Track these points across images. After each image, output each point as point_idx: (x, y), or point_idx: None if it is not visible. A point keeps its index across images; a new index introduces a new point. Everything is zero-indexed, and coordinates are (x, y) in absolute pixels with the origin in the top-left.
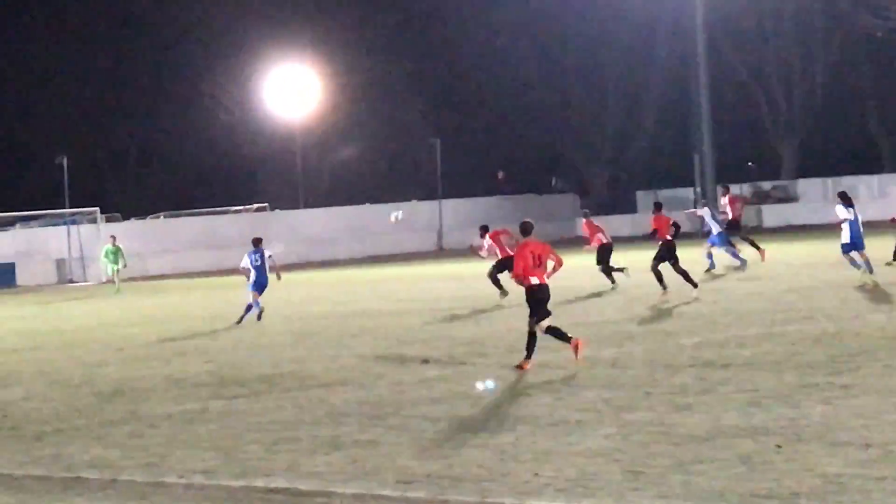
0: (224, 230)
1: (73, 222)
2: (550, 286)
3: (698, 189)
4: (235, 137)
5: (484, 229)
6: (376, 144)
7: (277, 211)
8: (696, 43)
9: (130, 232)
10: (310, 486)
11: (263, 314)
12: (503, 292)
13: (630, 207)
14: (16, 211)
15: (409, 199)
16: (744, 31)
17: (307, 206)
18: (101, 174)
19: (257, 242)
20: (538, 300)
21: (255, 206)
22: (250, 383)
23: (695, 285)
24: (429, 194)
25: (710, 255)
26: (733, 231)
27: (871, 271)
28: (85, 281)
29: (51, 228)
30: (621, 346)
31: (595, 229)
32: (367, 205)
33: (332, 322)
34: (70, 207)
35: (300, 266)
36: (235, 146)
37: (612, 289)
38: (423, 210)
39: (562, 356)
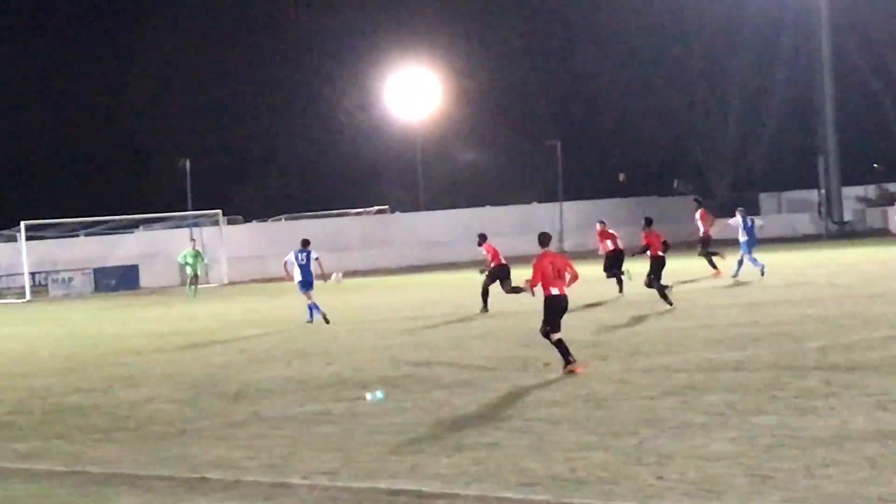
0: (345, 232)
1: (196, 225)
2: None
3: (822, 191)
4: (356, 140)
5: (482, 238)
6: (496, 146)
7: (397, 213)
8: (820, 43)
9: (252, 234)
10: (433, 488)
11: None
12: (485, 309)
13: (753, 209)
14: (139, 213)
15: (530, 202)
16: (869, 30)
17: (427, 208)
18: (223, 177)
19: (306, 243)
20: (554, 309)
21: (376, 208)
22: (372, 385)
23: (669, 304)
24: (549, 196)
25: (754, 261)
26: (704, 245)
27: None
28: (207, 283)
29: (173, 231)
30: (745, 350)
31: (607, 236)
32: (487, 207)
33: (452, 324)
34: (192, 210)
35: (420, 268)
36: (356, 148)
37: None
38: (543, 212)
39: (684, 359)
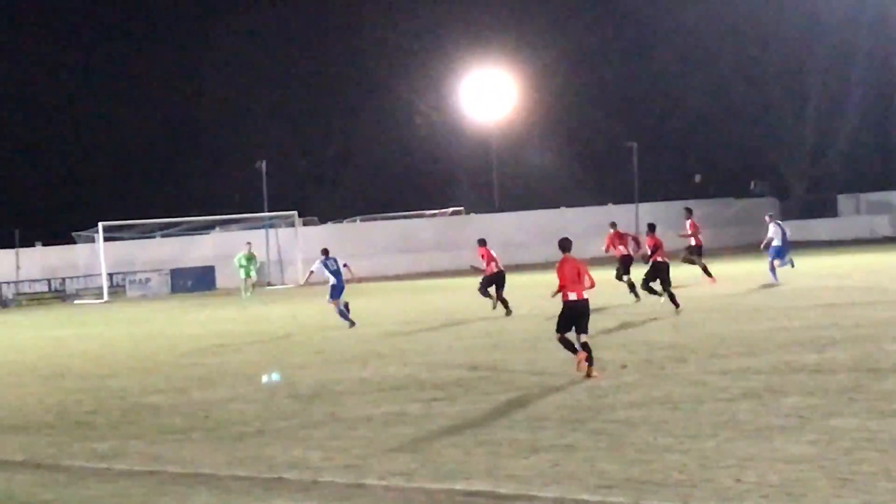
0: (420, 234)
1: (272, 226)
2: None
3: None
4: (431, 141)
5: (480, 242)
6: (572, 148)
7: (472, 214)
8: None
9: (327, 235)
10: (509, 490)
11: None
12: (494, 303)
13: (831, 211)
14: (215, 214)
15: (605, 204)
16: None
17: (501, 209)
18: (299, 178)
19: (327, 252)
20: (569, 313)
21: (451, 209)
22: (448, 386)
23: (659, 295)
24: (624, 198)
25: (790, 262)
26: (699, 254)
27: None
28: (283, 284)
29: (249, 232)
30: (823, 352)
31: (619, 240)
32: (562, 208)
33: (528, 325)
34: (268, 211)
35: None
36: (431, 150)
37: (635, 302)
38: (619, 213)
39: (761, 361)
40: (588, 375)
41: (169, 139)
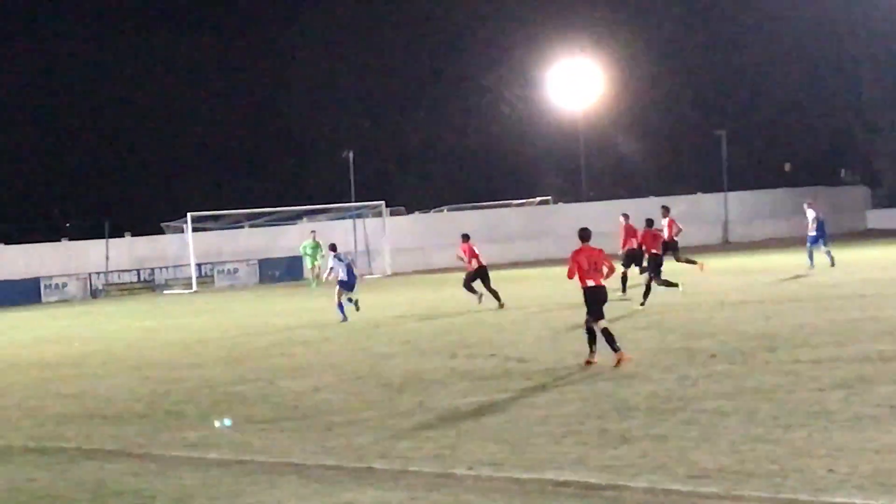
0: (507, 224)
1: (359, 216)
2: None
3: None
4: (518, 130)
5: (464, 237)
6: (659, 136)
7: (560, 204)
8: None
9: (414, 225)
10: (600, 480)
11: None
12: (480, 298)
13: None
14: (303, 205)
15: (694, 192)
16: None
17: (589, 198)
18: (386, 168)
19: (335, 248)
20: (593, 300)
21: (538, 199)
22: (536, 376)
23: (642, 303)
24: (714, 186)
25: (811, 256)
26: (674, 251)
27: None
28: (370, 274)
29: (337, 222)
30: None
31: (632, 233)
32: (651, 197)
33: (617, 315)
34: (356, 201)
35: None
36: (518, 139)
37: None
38: (708, 202)
39: (853, 350)
40: (588, 363)
41: (257, 130)
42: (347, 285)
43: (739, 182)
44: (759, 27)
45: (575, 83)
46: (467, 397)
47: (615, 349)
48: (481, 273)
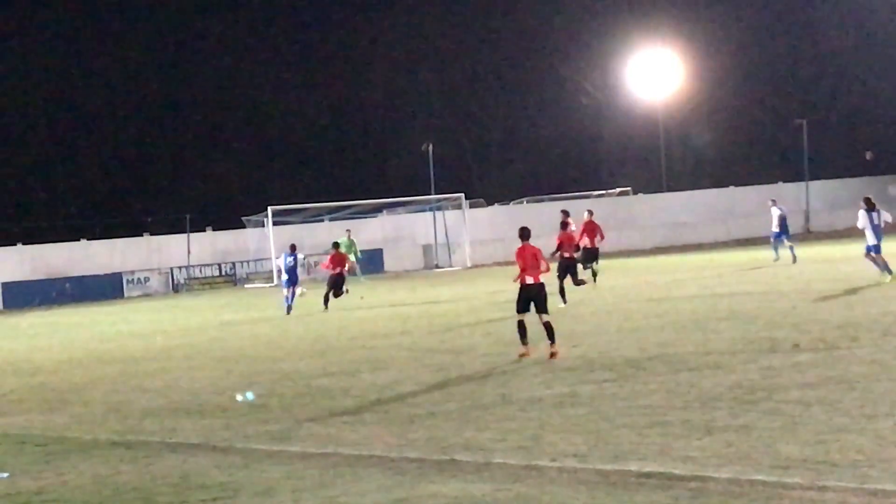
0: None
1: (439, 208)
2: None
3: None
4: (598, 121)
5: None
6: (740, 126)
7: (640, 194)
8: None
9: (494, 217)
10: (684, 471)
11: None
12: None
13: None
14: (383, 198)
15: (775, 182)
16: None
17: (669, 189)
18: (465, 160)
19: (293, 249)
20: (527, 297)
21: (618, 189)
22: (618, 367)
23: (564, 301)
24: (794, 176)
25: (776, 249)
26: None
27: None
28: (450, 266)
29: (417, 214)
30: None
31: (593, 230)
32: (731, 188)
33: (698, 306)
34: (435, 194)
35: (663, 250)
36: (598, 130)
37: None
38: (789, 192)
39: None
40: (552, 355)
41: (337, 123)
42: (290, 282)
43: (820, 171)
44: (840, 15)
45: (654, 73)
46: (550, 388)
47: (525, 342)
48: (338, 280)
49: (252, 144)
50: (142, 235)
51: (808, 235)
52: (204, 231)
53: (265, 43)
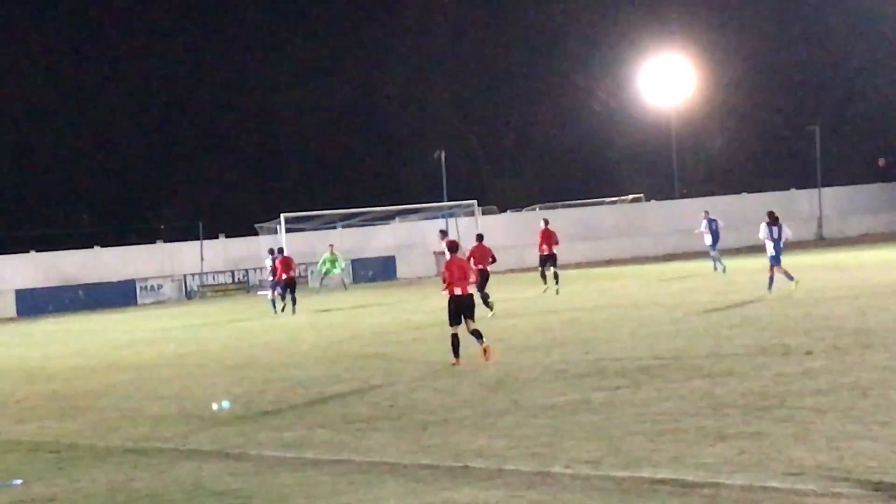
0: (600, 221)
1: (451, 215)
2: None
3: None
4: (610, 128)
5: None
6: (753, 133)
7: (652, 201)
8: None
9: (506, 224)
10: (697, 478)
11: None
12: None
13: None
14: (395, 205)
15: (787, 188)
16: None
17: (682, 195)
18: (478, 167)
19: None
20: (457, 308)
21: (630, 196)
22: (631, 374)
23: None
24: (807, 182)
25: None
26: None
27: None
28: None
29: (429, 221)
30: None
31: (549, 238)
32: (743, 194)
33: (712, 313)
34: (448, 200)
35: (675, 256)
36: (610, 137)
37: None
38: (801, 198)
39: None
40: (485, 354)
41: (350, 131)
42: (275, 284)
43: (833, 177)
44: (852, 21)
45: (667, 80)
46: (563, 395)
47: (456, 354)
48: (289, 283)
49: (265, 152)
50: (155, 243)
51: (821, 242)
52: (217, 238)
53: (278, 50)
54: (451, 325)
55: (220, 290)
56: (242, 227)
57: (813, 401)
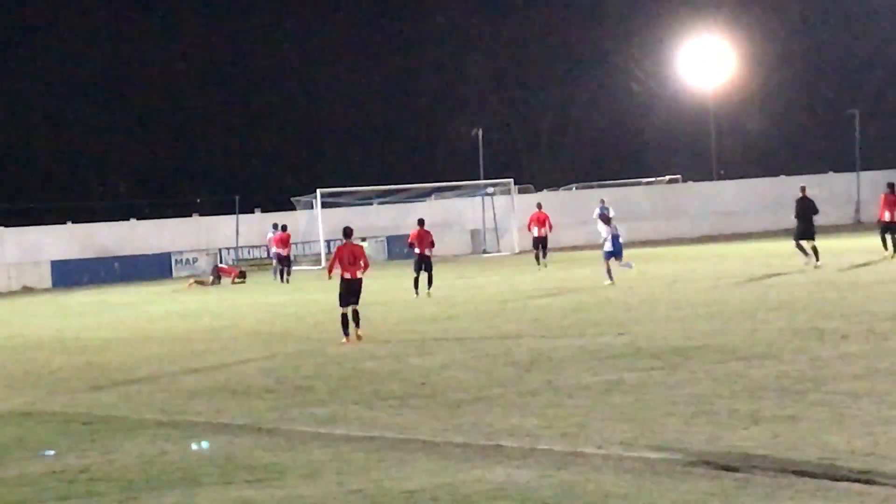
0: (636, 202)
1: (488, 194)
2: None
3: None
4: (648, 108)
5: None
6: (791, 115)
7: (690, 183)
8: None
9: (543, 203)
10: (730, 461)
11: None
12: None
13: None
14: (432, 182)
15: (826, 172)
16: None
17: (720, 177)
18: (515, 145)
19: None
20: (347, 291)
21: (668, 177)
22: (665, 355)
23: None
24: (845, 166)
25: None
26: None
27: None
28: (499, 251)
29: (466, 199)
30: None
31: (542, 221)
32: (782, 177)
33: (747, 295)
34: (484, 179)
35: (712, 238)
36: (648, 117)
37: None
38: (840, 182)
39: None
40: (358, 338)
41: (387, 107)
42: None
43: (872, 162)
44: (894, 4)
45: (706, 61)
46: (596, 376)
47: (346, 333)
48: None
49: (303, 127)
50: (191, 216)
51: (858, 226)
52: (252, 213)
53: (318, 24)
54: (342, 305)
55: (255, 265)
56: (279, 201)
57: (848, 385)
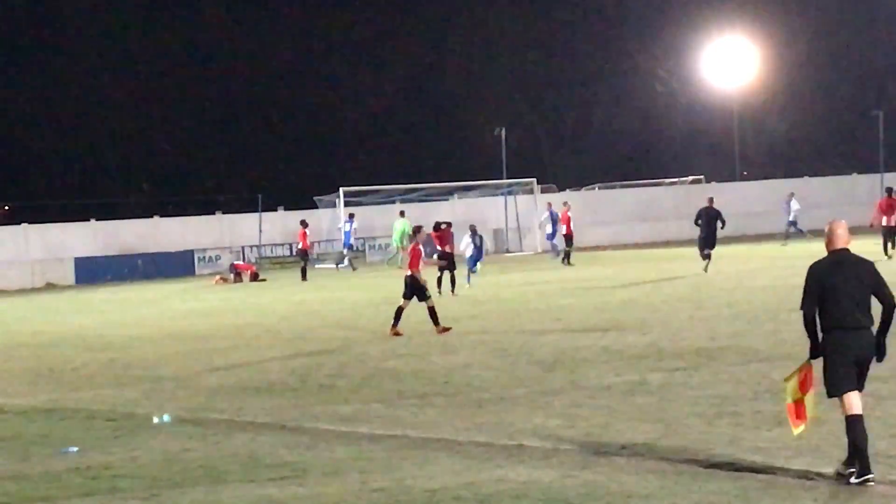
0: (659, 202)
1: (510, 193)
2: None
3: None
4: (671, 109)
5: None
6: (815, 116)
7: (713, 183)
8: None
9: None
10: (753, 462)
11: None
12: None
13: None
14: (454, 181)
15: (849, 173)
16: None
17: (743, 178)
18: (538, 145)
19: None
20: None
21: (691, 178)
22: (689, 356)
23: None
24: (869, 167)
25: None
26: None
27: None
28: (521, 251)
29: (488, 198)
30: None
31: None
32: (805, 178)
33: (771, 296)
34: (507, 178)
35: (735, 239)
36: (671, 117)
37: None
38: (863, 184)
39: None
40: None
41: (410, 106)
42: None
43: None
44: None
45: (730, 61)
46: (619, 376)
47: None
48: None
49: (325, 125)
50: (214, 214)
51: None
52: (276, 211)
53: (340, 22)
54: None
55: (278, 263)
56: (302, 200)
57: (872, 387)
